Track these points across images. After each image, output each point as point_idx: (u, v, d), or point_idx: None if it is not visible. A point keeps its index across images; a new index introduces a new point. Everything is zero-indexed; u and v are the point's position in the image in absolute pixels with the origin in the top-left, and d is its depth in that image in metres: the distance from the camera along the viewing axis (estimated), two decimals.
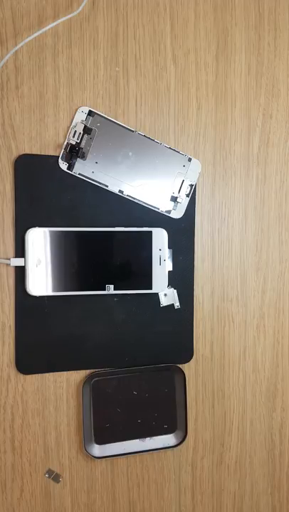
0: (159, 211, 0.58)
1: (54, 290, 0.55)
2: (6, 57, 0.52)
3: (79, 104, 0.56)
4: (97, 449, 0.58)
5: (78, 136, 0.55)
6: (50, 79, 0.55)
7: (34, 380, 0.57)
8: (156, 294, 0.59)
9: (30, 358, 0.56)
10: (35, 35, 0.52)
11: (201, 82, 0.59)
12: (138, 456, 0.60)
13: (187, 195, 0.58)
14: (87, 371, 0.58)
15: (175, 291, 0.59)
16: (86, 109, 0.55)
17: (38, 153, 0.55)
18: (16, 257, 0.55)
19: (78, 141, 0.55)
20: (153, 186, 0.57)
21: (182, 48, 0.58)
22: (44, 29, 0.52)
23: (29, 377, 0.57)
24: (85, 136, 0.55)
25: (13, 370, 0.56)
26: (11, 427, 0.57)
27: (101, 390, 0.58)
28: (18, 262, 0.54)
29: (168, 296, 0.59)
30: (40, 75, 0.54)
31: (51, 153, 0.55)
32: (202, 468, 0.63)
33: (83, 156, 0.55)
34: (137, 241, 0.56)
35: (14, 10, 0.53)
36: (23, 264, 0.54)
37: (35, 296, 0.55)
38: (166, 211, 0.58)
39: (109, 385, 0.58)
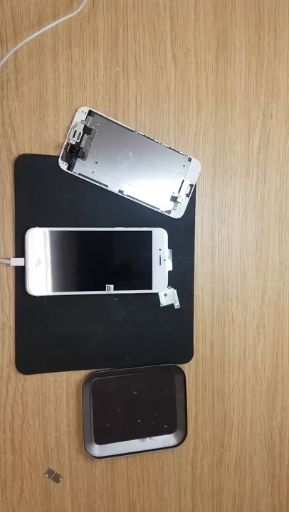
0: (159, 211, 0.58)
1: (54, 290, 0.55)
2: (6, 57, 0.52)
3: (79, 104, 0.56)
4: (97, 449, 0.58)
5: (78, 136, 0.55)
6: (50, 79, 0.55)
7: (34, 380, 0.57)
8: (156, 294, 0.59)
9: (30, 358, 0.56)
10: (35, 35, 0.52)
11: (201, 82, 0.59)
12: (138, 456, 0.60)
13: (187, 195, 0.58)
14: (87, 371, 0.58)
15: (175, 291, 0.59)
16: (86, 109, 0.55)
17: (38, 153, 0.55)
18: (16, 257, 0.55)
19: (78, 141, 0.55)
20: (153, 186, 0.57)
21: (182, 48, 0.58)
22: (44, 29, 0.52)
23: (29, 377, 0.57)
24: (85, 136, 0.55)
25: (13, 370, 0.56)
26: (11, 427, 0.57)
27: (101, 390, 0.58)
28: (18, 262, 0.54)
29: (168, 296, 0.59)
30: (40, 75, 0.54)
31: (51, 153, 0.55)
32: (202, 468, 0.63)
33: (83, 156, 0.55)
34: (136, 241, 0.56)
35: (14, 10, 0.53)
36: (23, 264, 0.54)
37: (35, 296, 0.55)
38: (166, 211, 0.58)
39: (109, 385, 0.58)
